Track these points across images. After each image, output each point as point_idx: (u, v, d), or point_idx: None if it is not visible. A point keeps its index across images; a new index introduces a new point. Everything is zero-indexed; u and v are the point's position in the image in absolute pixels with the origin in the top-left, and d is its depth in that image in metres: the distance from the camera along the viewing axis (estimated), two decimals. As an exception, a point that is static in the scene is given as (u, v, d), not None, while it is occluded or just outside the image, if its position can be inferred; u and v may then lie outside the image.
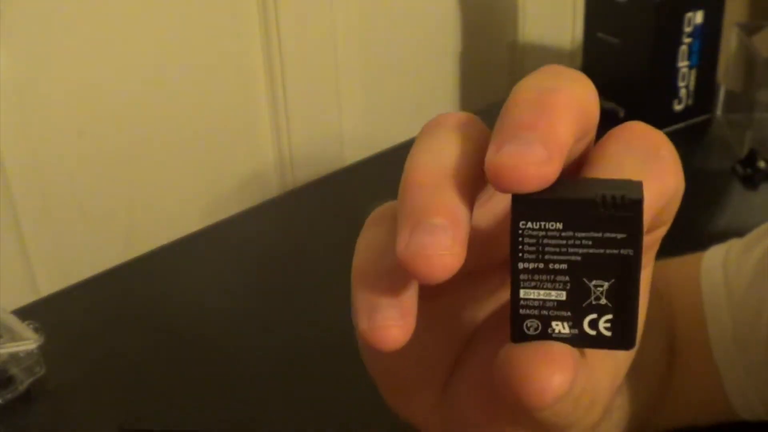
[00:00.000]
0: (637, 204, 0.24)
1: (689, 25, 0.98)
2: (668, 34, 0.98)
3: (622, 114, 1.02)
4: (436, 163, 0.25)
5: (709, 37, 0.99)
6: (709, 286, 0.53)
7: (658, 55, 0.98)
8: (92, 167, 0.92)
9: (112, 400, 0.70)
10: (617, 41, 1.01)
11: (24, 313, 0.73)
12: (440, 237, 0.23)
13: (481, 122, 0.27)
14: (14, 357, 0.68)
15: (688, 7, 0.97)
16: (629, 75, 1.01)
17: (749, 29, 1.00)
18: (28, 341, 0.68)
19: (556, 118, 0.24)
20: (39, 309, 0.78)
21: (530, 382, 0.24)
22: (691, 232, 0.86)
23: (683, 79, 1.01)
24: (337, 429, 0.67)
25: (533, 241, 0.24)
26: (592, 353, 0.27)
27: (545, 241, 0.24)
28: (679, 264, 0.56)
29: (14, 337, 0.68)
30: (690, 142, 1.01)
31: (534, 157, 0.23)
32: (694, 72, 1.00)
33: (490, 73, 1.26)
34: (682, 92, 1.01)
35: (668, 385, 0.53)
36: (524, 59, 1.28)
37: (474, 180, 0.25)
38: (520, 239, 0.24)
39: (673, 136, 0.95)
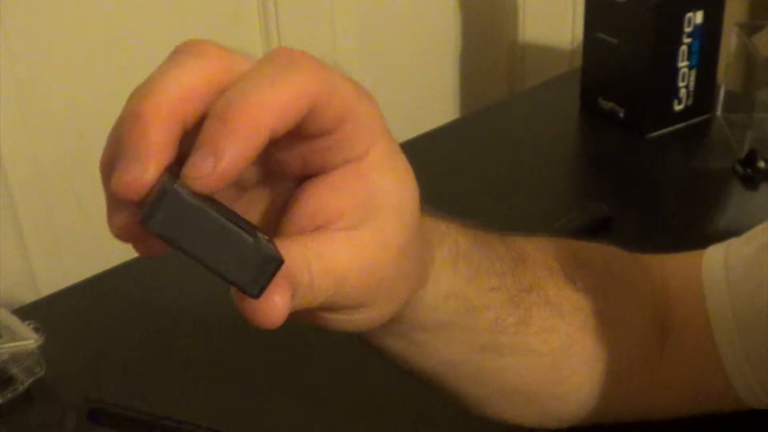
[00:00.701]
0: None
1: (689, 25, 0.98)
2: (668, 34, 0.98)
3: (622, 114, 1.02)
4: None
5: (709, 37, 0.99)
6: (709, 271, 0.54)
7: (658, 55, 0.98)
8: (92, 167, 0.92)
9: (112, 401, 0.70)
10: (617, 41, 1.01)
11: (24, 313, 0.73)
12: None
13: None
14: (14, 357, 0.68)
15: (688, 7, 0.97)
16: (629, 75, 1.01)
17: (749, 29, 1.00)
18: (28, 341, 0.68)
19: (144, 126, 0.29)
20: (39, 309, 0.78)
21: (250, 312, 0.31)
22: (691, 232, 0.86)
23: (683, 79, 1.01)
24: (335, 429, 0.67)
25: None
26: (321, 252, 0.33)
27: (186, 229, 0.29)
28: (681, 256, 0.57)
29: (14, 337, 0.68)
30: (690, 142, 1.01)
31: (129, 176, 0.29)
32: (694, 72, 1.00)
33: (490, 74, 1.26)
34: (682, 92, 1.01)
35: (659, 362, 0.54)
36: (524, 59, 1.28)
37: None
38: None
39: (673, 136, 0.95)
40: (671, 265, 0.57)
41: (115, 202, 0.31)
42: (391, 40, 1.12)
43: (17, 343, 0.68)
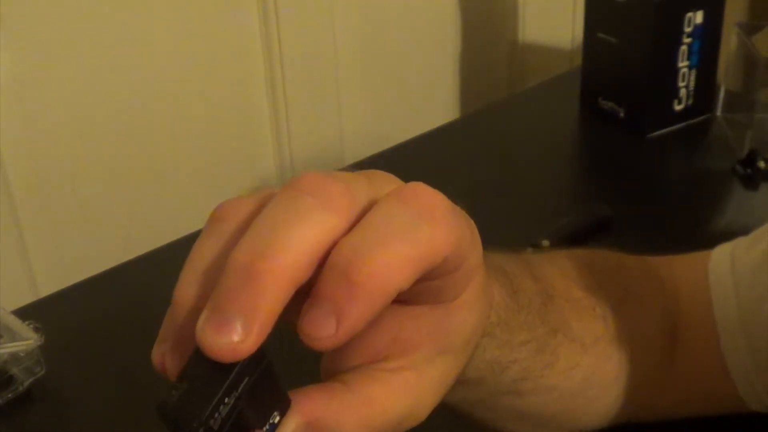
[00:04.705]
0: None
1: (689, 25, 0.98)
2: (668, 34, 0.98)
3: (622, 114, 1.02)
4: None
5: (709, 37, 0.99)
6: (716, 275, 0.54)
7: (658, 55, 0.98)
8: (92, 167, 0.92)
9: (112, 400, 0.70)
10: (617, 41, 1.01)
11: (24, 313, 0.73)
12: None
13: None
14: (14, 357, 0.68)
15: (688, 7, 0.97)
16: (629, 75, 1.01)
17: (749, 29, 1.00)
18: (28, 341, 0.68)
19: (260, 290, 0.26)
20: (39, 309, 0.78)
21: None
22: (691, 232, 0.86)
23: (683, 79, 1.01)
24: None
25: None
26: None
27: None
28: (688, 258, 0.57)
29: (14, 337, 0.68)
30: (690, 142, 1.01)
31: (231, 337, 0.25)
32: (694, 72, 1.00)
33: (490, 73, 1.26)
34: (682, 92, 1.01)
35: (670, 367, 0.54)
36: (524, 59, 1.28)
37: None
38: None
39: (673, 136, 0.95)
40: (679, 268, 0.56)
41: (178, 338, 0.28)
42: (391, 40, 1.12)
43: (17, 343, 0.68)
